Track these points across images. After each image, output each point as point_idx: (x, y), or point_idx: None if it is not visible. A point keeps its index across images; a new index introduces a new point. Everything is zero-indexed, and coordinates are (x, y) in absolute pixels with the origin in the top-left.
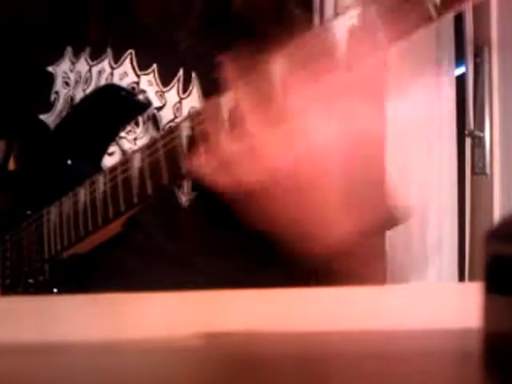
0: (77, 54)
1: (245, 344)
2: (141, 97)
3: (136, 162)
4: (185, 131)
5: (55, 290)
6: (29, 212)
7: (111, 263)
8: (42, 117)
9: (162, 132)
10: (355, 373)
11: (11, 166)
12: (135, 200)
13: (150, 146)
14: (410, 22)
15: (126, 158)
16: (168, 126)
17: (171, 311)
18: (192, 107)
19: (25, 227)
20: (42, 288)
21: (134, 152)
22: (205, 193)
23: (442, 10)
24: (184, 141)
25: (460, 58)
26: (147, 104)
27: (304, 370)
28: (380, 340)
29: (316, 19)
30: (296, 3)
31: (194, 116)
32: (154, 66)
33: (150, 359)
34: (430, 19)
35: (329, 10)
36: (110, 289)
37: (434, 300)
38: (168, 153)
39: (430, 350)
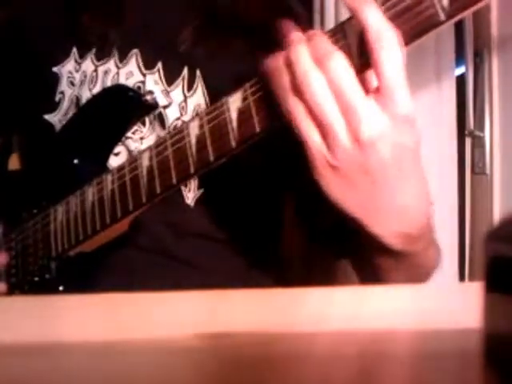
0: (82, 55)
1: (245, 344)
2: (148, 97)
3: (144, 161)
4: (194, 130)
5: (61, 288)
6: (35, 211)
7: (117, 262)
8: (47, 116)
9: (168, 130)
10: (355, 373)
11: (13, 164)
12: (143, 199)
13: (159, 144)
14: (420, 25)
15: (135, 157)
16: (174, 124)
17: (171, 311)
18: (197, 105)
19: (31, 226)
20: (47, 286)
21: (143, 151)
22: (211, 191)
23: (451, 13)
24: (193, 140)
25: (460, 58)
26: (154, 105)
27: (304, 370)
28: (380, 340)
29: (316, 19)
30: (296, 2)
31: (202, 115)
32: (159, 64)
33: (151, 359)
34: (439, 22)
35: (329, 10)
36: (115, 287)
37: (434, 300)
38: (177, 152)
39: (430, 350)
